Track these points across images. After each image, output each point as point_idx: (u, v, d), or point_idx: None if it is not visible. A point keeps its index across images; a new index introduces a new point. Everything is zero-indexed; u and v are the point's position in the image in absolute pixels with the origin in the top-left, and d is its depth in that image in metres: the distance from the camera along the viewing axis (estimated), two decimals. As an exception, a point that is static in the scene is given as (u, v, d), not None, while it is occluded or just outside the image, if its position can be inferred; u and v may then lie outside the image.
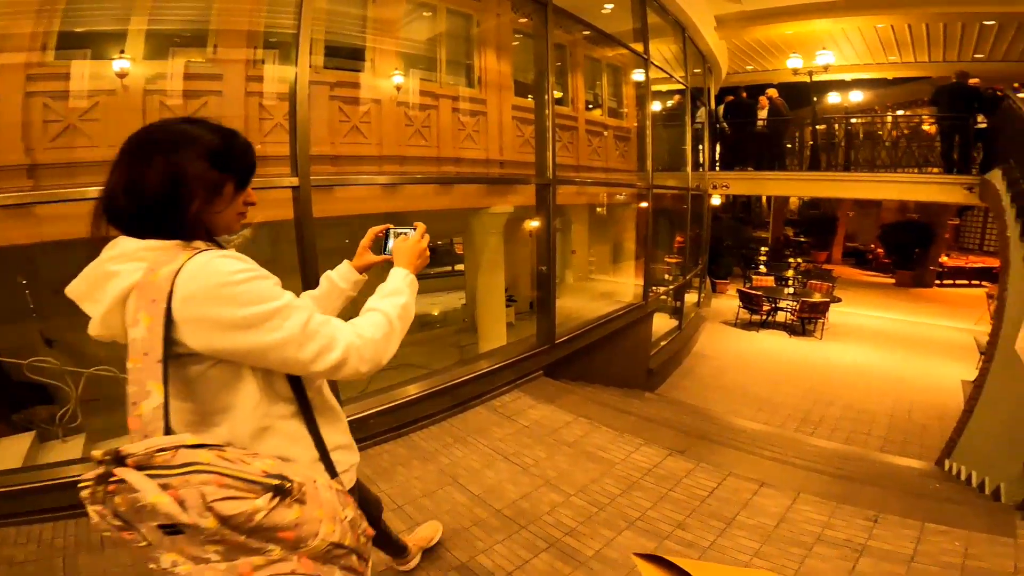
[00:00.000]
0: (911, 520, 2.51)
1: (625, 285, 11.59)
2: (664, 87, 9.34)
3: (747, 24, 9.49)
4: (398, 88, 6.11)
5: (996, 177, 6.14)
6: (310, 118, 3.09)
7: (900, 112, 9.68)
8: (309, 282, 3.01)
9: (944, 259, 17.21)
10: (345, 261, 1.41)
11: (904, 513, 2.57)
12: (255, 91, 4.60)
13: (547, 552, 2.33)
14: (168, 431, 0.90)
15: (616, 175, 8.89)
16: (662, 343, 8.16)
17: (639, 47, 6.74)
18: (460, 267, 9.40)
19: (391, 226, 1.39)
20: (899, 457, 5.62)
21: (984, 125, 7.92)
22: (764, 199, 24.38)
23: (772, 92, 10.35)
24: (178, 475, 0.84)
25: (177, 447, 0.86)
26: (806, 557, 2.30)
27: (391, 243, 1.36)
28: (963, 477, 4.03)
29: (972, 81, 8.18)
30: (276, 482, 0.91)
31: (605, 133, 9.44)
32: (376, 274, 1.39)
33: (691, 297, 10.57)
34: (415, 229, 1.36)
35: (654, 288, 9.60)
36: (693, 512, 2.66)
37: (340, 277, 1.40)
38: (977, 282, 16.69)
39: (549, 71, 4.82)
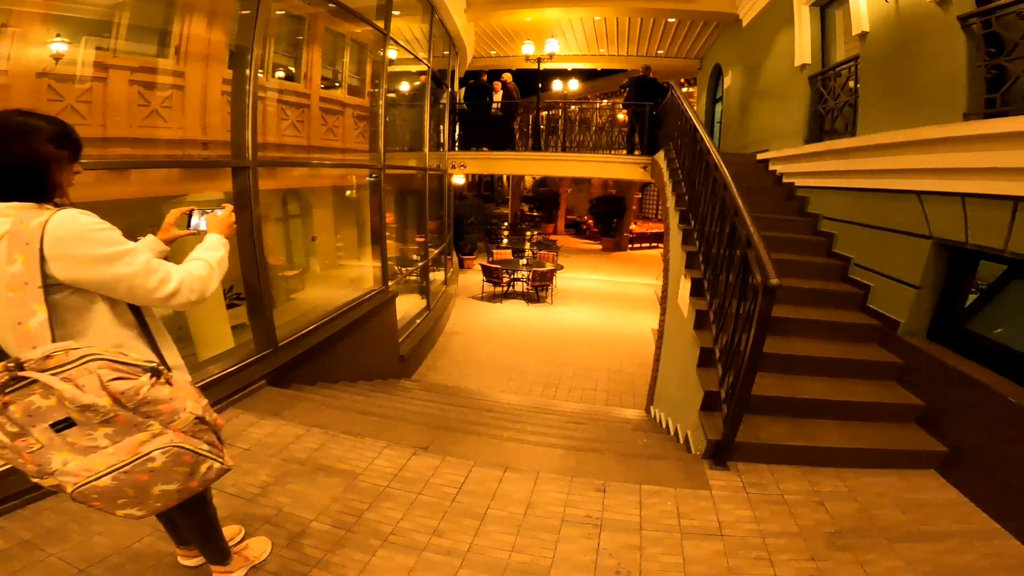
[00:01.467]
0: (630, 484, 2.79)
1: (374, 269, 11.16)
2: (414, 68, 9.02)
3: (494, 8, 9.85)
4: (57, 58, 4.57)
5: (661, 157, 7.59)
6: None
7: (604, 101, 11.31)
8: None
9: (633, 227, 21.41)
10: (151, 235, 1.68)
11: (624, 478, 2.85)
12: None
13: (296, 591, 1.94)
14: (54, 340, 1.22)
15: (353, 156, 8.29)
16: (414, 324, 8.02)
17: (382, 23, 6.23)
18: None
19: (195, 207, 1.73)
20: (619, 408, 6.62)
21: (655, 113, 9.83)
22: (504, 178, 26.53)
23: (507, 77, 10.98)
24: (76, 366, 1.17)
25: (68, 349, 1.19)
26: (557, 542, 2.34)
27: (195, 220, 1.71)
28: (664, 425, 4.85)
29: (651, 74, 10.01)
30: (153, 365, 1.32)
31: (344, 112, 8.75)
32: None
33: (439, 275, 10.72)
34: (223, 209, 1.73)
35: (402, 269, 9.40)
36: (446, 514, 2.52)
37: (145, 247, 1.60)
38: (656, 244, 21.28)
39: (254, 40, 4.05)
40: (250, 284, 4.23)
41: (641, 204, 24.75)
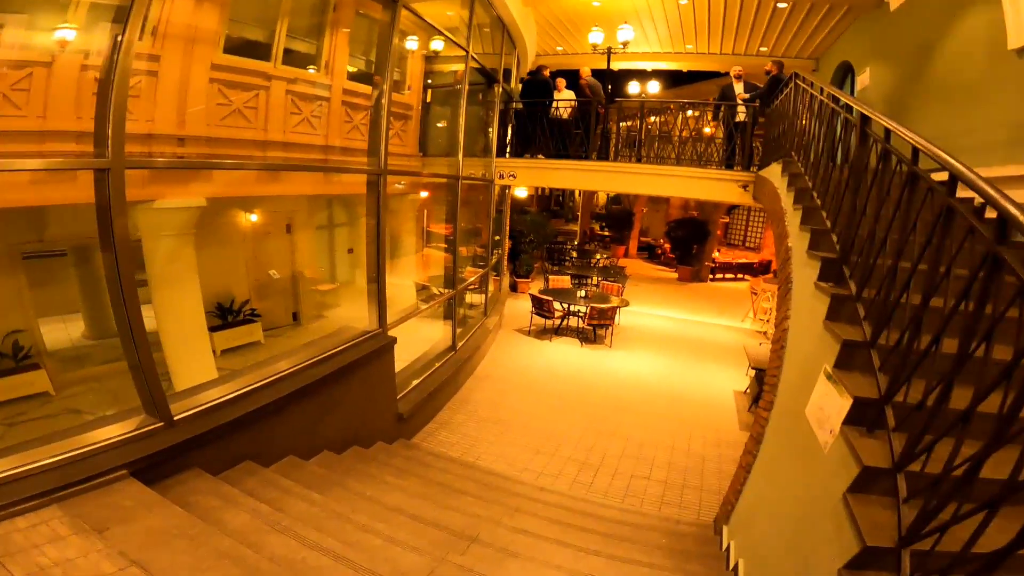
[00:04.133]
0: None
1: (405, 288, 9.82)
2: (460, 66, 7.61)
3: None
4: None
5: (774, 174, 5.52)
6: None
7: (690, 112, 9.20)
8: None
9: (716, 255, 18.86)
10: None
11: None
12: None
13: None
14: None
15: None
16: (430, 370, 6.48)
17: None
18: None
19: None
20: (677, 513, 4.71)
21: (742, 118, 7.79)
22: (576, 193, 24.76)
23: (586, 72, 9.27)
24: None
25: None
26: None
27: None
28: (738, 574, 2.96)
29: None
30: None
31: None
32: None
33: (479, 299, 9.18)
34: None
35: (439, 289, 7.94)
36: None
37: None
38: (741, 276, 18.61)
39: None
40: (122, 331, 2.84)
41: (727, 229, 22.07)
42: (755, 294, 12.83)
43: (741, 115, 7.81)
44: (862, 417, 2.35)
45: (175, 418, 3.00)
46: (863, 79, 7.24)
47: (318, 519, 2.94)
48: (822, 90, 3.84)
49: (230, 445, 3.28)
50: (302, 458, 3.87)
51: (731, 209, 21.02)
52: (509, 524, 3.52)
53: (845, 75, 8.33)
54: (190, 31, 5.48)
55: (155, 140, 5.14)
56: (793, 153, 4.81)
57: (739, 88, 7.93)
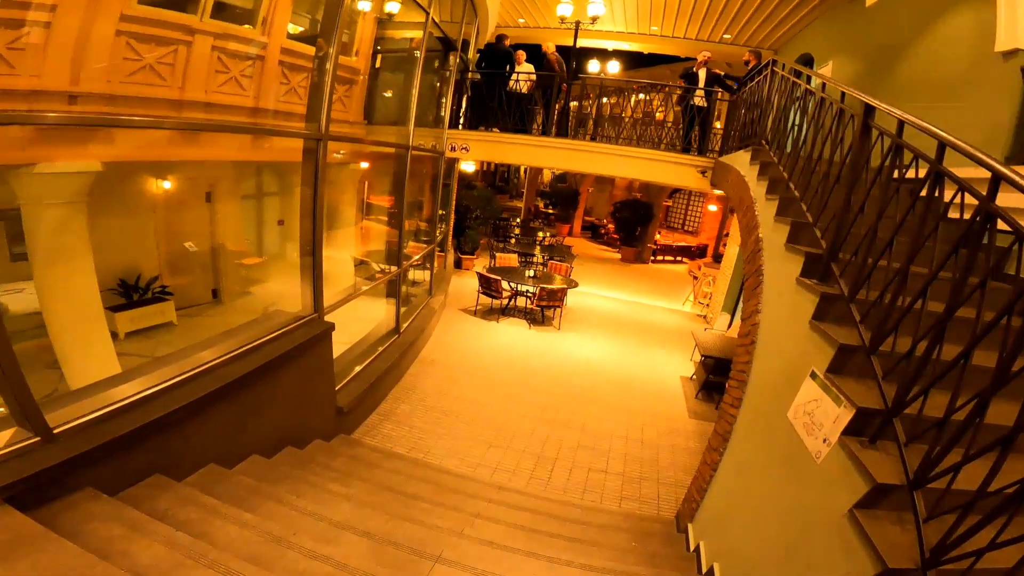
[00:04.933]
0: None
1: (342, 263, 9.13)
2: (417, 33, 6.91)
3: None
4: None
5: (739, 162, 5.37)
6: None
7: (643, 96, 9.00)
8: None
9: (658, 237, 19.20)
10: None
11: None
12: None
13: None
14: None
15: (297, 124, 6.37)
16: (373, 355, 5.98)
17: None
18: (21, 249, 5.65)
19: None
20: (638, 508, 4.60)
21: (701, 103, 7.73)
22: (522, 170, 24.27)
23: (549, 47, 8.83)
24: None
25: None
26: None
27: None
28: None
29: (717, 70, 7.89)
30: None
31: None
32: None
33: (424, 275, 8.68)
34: None
35: (387, 267, 7.36)
36: None
37: None
38: (680, 258, 19.09)
39: None
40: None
41: (668, 213, 22.50)
42: (696, 278, 13.09)
43: (699, 100, 7.69)
44: (862, 427, 2.21)
45: (56, 430, 2.41)
46: (824, 72, 7.27)
47: (253, 546, 2.47)
48: (809, 79, 3.67)
49: (133, 457, 2.72)
50: (225, 466, 3.34)
51: (673, 193, 21.41)
52: (472, 535, 3.20)
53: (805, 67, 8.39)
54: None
55: (41, 97, 4.26)
56: (764, 142, 4.66)
57: (702, 74, 7.78)
